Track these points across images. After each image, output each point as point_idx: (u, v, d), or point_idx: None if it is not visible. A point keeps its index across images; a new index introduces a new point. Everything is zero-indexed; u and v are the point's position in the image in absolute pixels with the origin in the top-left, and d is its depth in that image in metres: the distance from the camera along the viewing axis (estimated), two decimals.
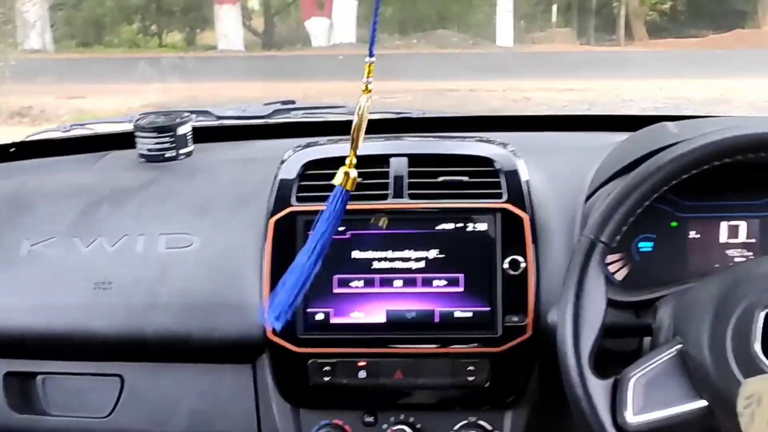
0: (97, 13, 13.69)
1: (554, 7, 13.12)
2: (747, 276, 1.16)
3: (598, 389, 1.16)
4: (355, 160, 1.23)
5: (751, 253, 1.44)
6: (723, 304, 1.14)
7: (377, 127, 1.61)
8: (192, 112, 1.83)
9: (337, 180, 1.24)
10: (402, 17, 14.32)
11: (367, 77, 1.18)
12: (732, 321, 1.12)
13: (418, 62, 10.91)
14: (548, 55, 11.93)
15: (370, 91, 1.19)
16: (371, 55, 1.16)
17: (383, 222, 1.42)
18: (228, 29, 13.07)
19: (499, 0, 12.67)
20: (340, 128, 1.74)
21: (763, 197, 1.43)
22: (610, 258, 1.42)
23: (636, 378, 1.16)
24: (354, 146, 1.23)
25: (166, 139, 1.67)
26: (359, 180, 1.41)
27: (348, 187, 1.24)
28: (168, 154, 1.67)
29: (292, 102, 1.94)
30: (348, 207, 1.39)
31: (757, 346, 1.09)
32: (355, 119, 1.21)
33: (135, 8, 14.14)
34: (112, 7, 13.83)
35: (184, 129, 1.69)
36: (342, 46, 12.75)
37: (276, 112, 1.89)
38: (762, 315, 1.10)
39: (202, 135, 1.76)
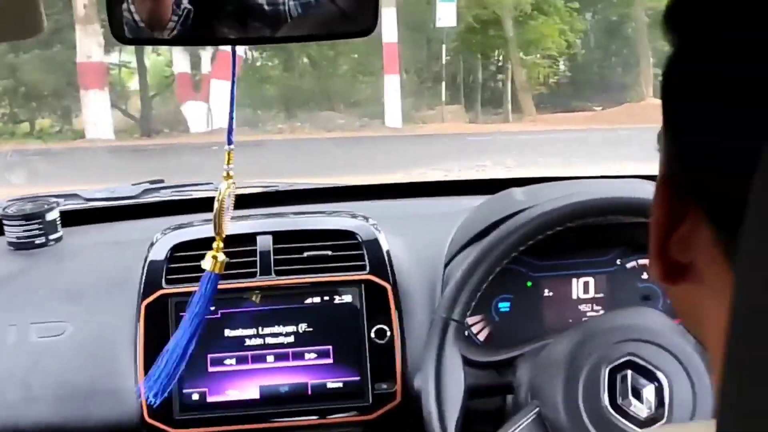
0: None
1: (443, 84, 12.99)
2: (592, 333, 1.25)
3: None
4: (221, 244, 1.26)
5: (600, 308, 1.53)
6: (572, 363, 1.22)
7: (246, 201, 1.66)
8: (60, 195, 1.83)
9: (206, 265, 1.26)
10: (286, 96, 13.62)
11: (227, 164, 1.22)
12: (581, 379, 1.20)
13: (303, 146, 10.75)
14: (437, 137, 11.27)
15: (231, 177, 1.22)
16: (230, 142, 1.20)
17: (256, 297, 1.46)
18: (96, 116, 11.66)
19: (387, 79, 12.23)
20: (209, 205, 1.77)
21: (608, 254, 1.53)
22: (471, 320, 1.50)
23: None
24: (218, 231, 1.25)
25: (35, 226, 1.67)
26: (227, 260, 1.46)
27: (217, 270, 1.26)
28: (37, 241, 1.67)
29: (161, 181, 1.96)
30: (218, 287, 1.43)
31: (606, 402, 1.17)
32: (216, 205, 1.24)
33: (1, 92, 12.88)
34: None
35: (53, 215, 1.69)
36: (221, 132, 12.05)
37: (145, 191, 1.91)
38: (606, 371, 1.19)
39: (71, 218, 1.76)
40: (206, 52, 12.22)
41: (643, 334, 1.22)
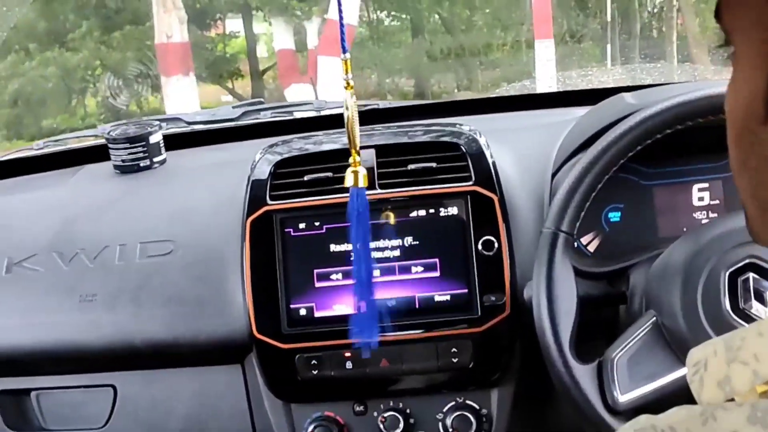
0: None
1: (608, 42, 10.26)
2: (709, 237, 1.20)
3: (584, 375, 1.20)
4: (358, 158, 1.20)
5: (716, 215, 1.47)
6: (689, 269, 1.17)
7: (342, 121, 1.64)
8: (162, 119, 1.85)
9: (348, 182, 1.21)
10: (415, 63, 11.57)
11: (346, 74, 1.17)
12: (700, 285, 1.15)
13: None
14: None
15: (351, 87, 1.17)
16: (344, 51, 1.17)
17: (390, 217, 1.44)
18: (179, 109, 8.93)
19: (538, 45, 9.67)
20: (308, 125, 1.76)
21: (723, 158, 1.46)
22: (580, 232, 1.46)
23: (618, 357, 1.20)
24: (352, 144, 1.20)
25: (139, 149, 1.69)
26: (330, 175, 1.45)
27: (361, 184, 1.20)
28: (142, 164, 1.69)
29: (260, 102, 1.96)
30: (321, 202, 1.43)
31: (727, 306, 1.13)
32: (345, 116, 1.18)
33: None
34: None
35: (156, 137, 1.71)
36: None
37: (245, 113, 1.91)
38: (726, 275, 1.14)
39: (173, 142, 1.78)
40: (312, 24, 10.34)
41: None
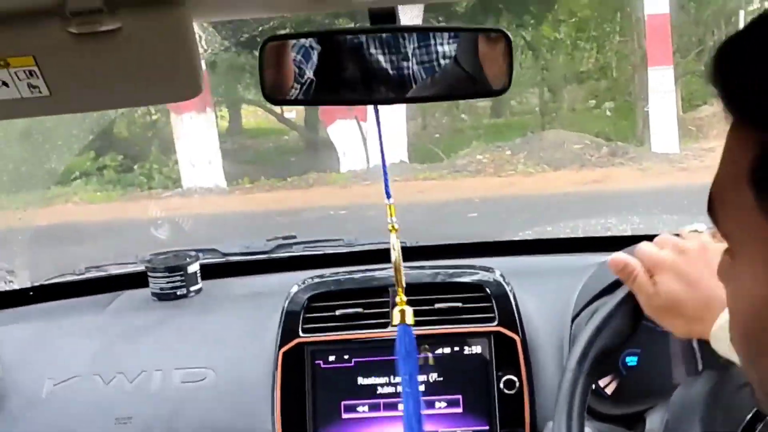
0: None
1: None
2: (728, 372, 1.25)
3: None
4: (404, 297, 1.26)
5: None
6: (710, 406, 1.23)
7: (378, 257, 1.73)
8: (199, 250, 1.93)
9: (396, 320, 1.27)
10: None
11: (391, 217, 1.24)
12: (719, 421, 1.20)
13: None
14: None
15: (397, 230, 1.25)
16: (388, 196, 1.24)
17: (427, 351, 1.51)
18: (196, 155, 8.45)
19: (652, 74, 7.92)
20: (338, 260, 1.84)
21: None
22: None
23: None
24: (399, 284, 1.26)
25: (177, 278, 1.77)
26: (360, 311, 1.52)
27: (409, 321, 1.26)
28: (179, 292, 1.77)
29: (293, 237, 2.04)
30: (352, 336, 1.50)
31: None
32: (393, 257, 1.25)
33: None
34: None
35: (194, 267, 1.79)
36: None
37: (278, 247, 1.99)
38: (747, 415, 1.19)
39: (209, 271, 1.86)
40: None
41: None
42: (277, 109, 10.30)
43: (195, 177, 8.62)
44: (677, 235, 1.19)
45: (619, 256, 1.19)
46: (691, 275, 1.13)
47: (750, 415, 1.20)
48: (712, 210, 0.56)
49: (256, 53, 1.10)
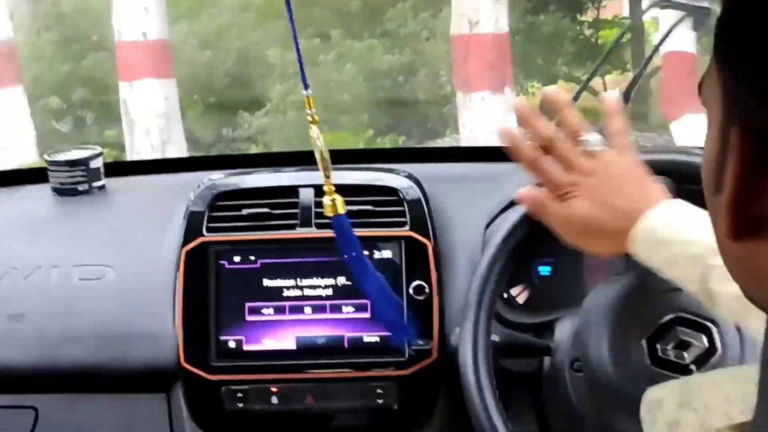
0: None
1: None
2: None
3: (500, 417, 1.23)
4: (333, 187, 1.27)
5: None
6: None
7: (293, 160, 1.67)
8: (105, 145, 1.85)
9: (328, 211, 1.28)
10: None
11: (310, 109, 1.23)
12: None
13: None
14: None
15: (317, 121, 1.23)
16: (306, 88, 1.21)
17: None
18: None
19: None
20: (247, 162, 1.79)
21: None
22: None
23: None
24: (326, 174, 1.26)
25: (79, 173, 1.69)
26: (267, 210, 1.47)
27: (340, 211, 1.28)
28: (80, 188, 1.69)
29: None
30: (258, 237, 1.45)
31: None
32: (316, 150, 1.25)
33: None
34: None
35: (97, 163, 1.71)
36: None
37: None
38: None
39: (114, 169, 1.78)
40: None
41: None
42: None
43: None
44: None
45: (526, 190, 1.19)
46: (605, 196, 1.13)
47: (664, 320, 1.20)
48: (700, 93, 0.55)
49: None
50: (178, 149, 4.36)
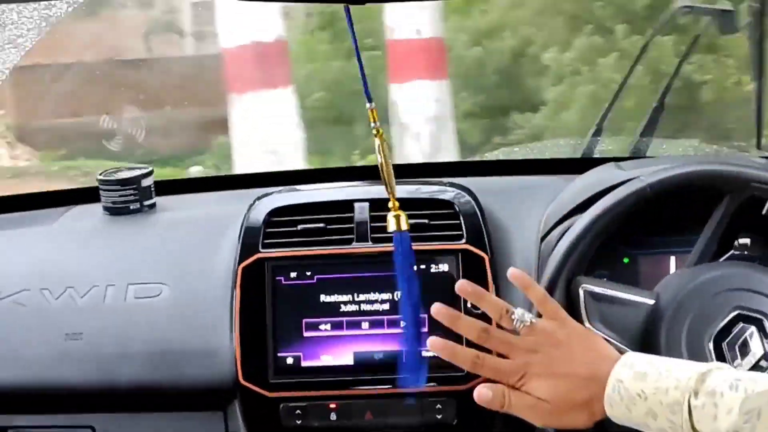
0: None
1: None
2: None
3: None
4: (397, 204, 1.21)
5: None
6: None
7: (349, 175, 1.70)
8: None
9: (391, 227, 1.21)
10: None
11: (374, 122, 1.17)
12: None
13: None
14: None
15: (382, 134, 1.18)
16: (369, 101, 1.16)
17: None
18: None
19: None
20: (300, 178, 1.78)
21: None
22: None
23: None
24: (390, 190, 1.20)
25: (130, 192, 1.70)
26: (322, 226, 1.47)
27: (403, 227, 1.21)
28: (132, 206, 1.69)
29: None
30: (314, 252, 1.45)
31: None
32: (379, 162, 1.18)
33: None
34: None
35: (148, 181, 1.72)
36: None
37: None
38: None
39: (165, 187, 1.79)
40: None
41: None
42: None
43: None
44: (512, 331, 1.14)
45: (481, 390, 1.12)
46: (558, 368, 1.09)
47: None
48: None
49: None
50: (448, 155, 4.26)
